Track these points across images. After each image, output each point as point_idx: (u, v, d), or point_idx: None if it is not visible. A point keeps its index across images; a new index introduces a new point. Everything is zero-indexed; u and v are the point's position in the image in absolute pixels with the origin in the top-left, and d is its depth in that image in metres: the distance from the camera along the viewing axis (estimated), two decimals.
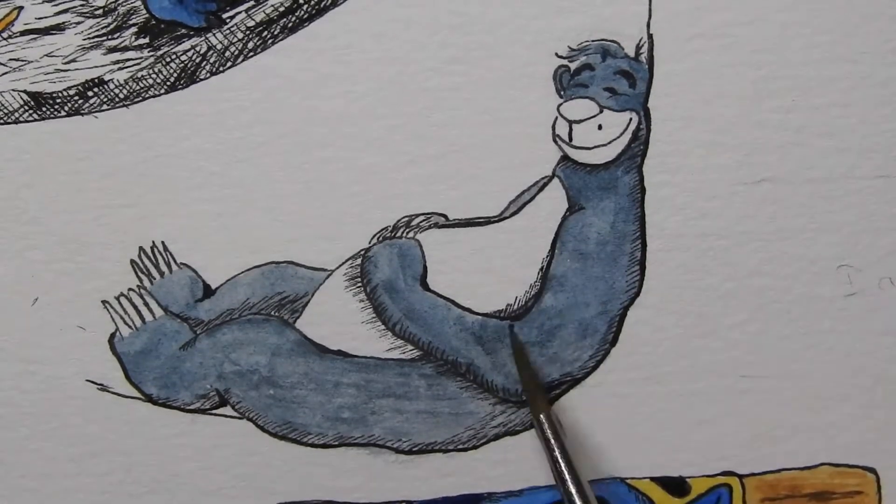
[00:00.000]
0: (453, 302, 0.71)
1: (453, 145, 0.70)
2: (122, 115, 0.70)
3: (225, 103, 0.70)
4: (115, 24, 0.70)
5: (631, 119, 0.70)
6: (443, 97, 0.70)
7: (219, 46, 0.70)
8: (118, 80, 0.70)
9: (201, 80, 0.70)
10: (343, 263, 0.72)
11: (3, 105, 0.70)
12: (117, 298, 0.72)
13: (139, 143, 0.70)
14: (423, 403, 0.72)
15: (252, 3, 0.70)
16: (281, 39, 0.70)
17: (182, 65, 0.70)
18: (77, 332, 0.72)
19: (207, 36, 0.70)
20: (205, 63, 0.70)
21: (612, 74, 0.69)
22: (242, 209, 0.71)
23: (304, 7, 0.69)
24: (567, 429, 0.72)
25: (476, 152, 0.70)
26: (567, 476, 0.67)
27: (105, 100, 0.70)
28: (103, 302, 0.72)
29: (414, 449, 0.73)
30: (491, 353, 0.71)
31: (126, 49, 0.70)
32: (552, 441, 0.68)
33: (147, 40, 0.70)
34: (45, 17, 0.70)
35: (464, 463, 0.73)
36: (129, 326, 0.72)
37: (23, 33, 0.70)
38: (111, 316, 0.72)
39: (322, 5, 0.69)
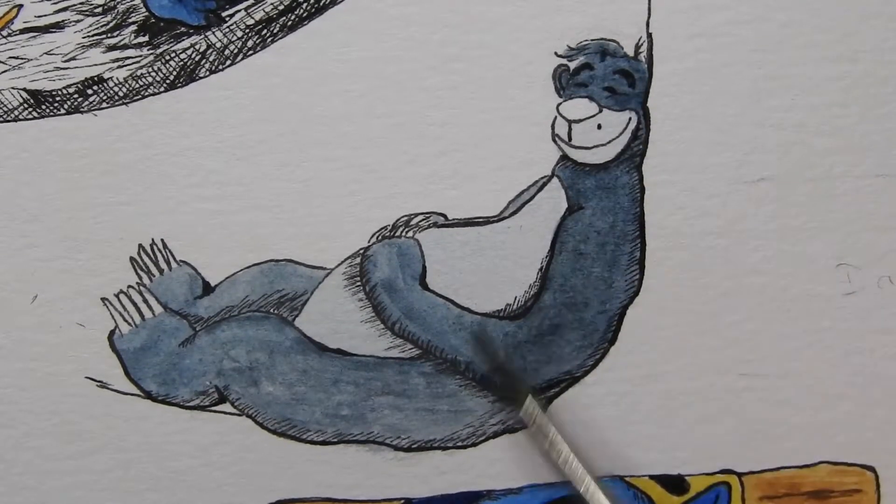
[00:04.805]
0: (452, 301, 0.73)
1: (452, 144, 0.72)
2: (121, 113, 0.72)
3: (224, 101, 0.72)
4: (114, 22, 0.71)
5: (630, 118, 0.71)
6: (442, 96, 0.72)
7: (218, 45, 0.71)
8: (118, 78, 0.71)
9: (201, 78, 0.72)
10: (342, 262, 0.73)
11: (2, 103, 0.71)
12: (117, 296, 0.74)
13: (138, 141, 0.72)
14: (422, 401, 0.74)
15: (251, 1, 0.71)
16: (280, 38, 0.71)
17: (181, 63, 0.71)
18: (76, 330, 0.74)
19: (207, 34, 0.71)
20: (204, 61, 0.71)
21: (612, 74, 0.71)
22: (242, 207, 0.73)
23: (304, 5, 0.71)
24: (567, 427, 0.75)
25: (475, 152, 0.72)
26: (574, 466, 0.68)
27: (104, 98, 0.72)
28: (103, 299, 0.74)
29: (413, 446, 0.75)
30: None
31: (125, 47, 0.71)
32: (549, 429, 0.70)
33: (146, 38, 0.71)
34: (45, 15, 0.71)
35: (463, 460, 0.75)
36: (129, 323, 0.74)
37: (22, 31, 0.71)
38: (111, 313, 0.74)
39: (321, 4, 0.71)
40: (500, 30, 0.71)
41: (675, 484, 0.76)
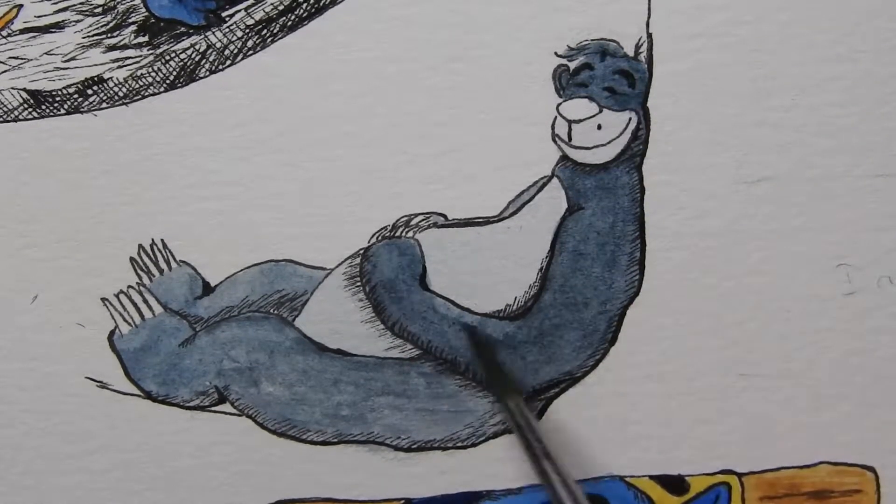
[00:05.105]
0: (452, 301, 0.73)
1: (452, 144, 0.72)
2: (121, 113, 0.72)
3: (224, 102, 0.72)
4: (114, 22, 0.71)
5: (630, 119, 0.72)
6: (442, 96, 0.72)
7: (218, 45, 0.71)
8: (117, 79, 0.72)
9: (201, 78, 0.72)
10: (342, 262, 0.74)
11: (2, 103, 0.72)
12: (117, 296, 0.74)
13: (138, 142, 0.72)
14: (422, 401, 0.74)
15: (251, 1, 0.71)
16: (280, 38, 0.71)
17: (181, 63, 0.72)
18: (76, 330, 0.74)
19: (207, 34, 0.71)
20: (204, 61, 0.72)
21: (612, 74, 0.71)
22: (241, 207, 0.73)
23: (304, 5, 0.71)
24: (567, 427, 0.75)
25: (475, 152, 0.72)
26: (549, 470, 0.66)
27: (104, 98, 0.72)
28: (103, 299, 0.74)
29: (413, 446, 0.75)
30: None
31: (125, 47, 0.72)
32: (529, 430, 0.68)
33: (146, 38, 0.72)
34: (45, 16, 0.72)
35: (463, 460, 0.75)
36: (129, 323, 0.74)
37: (22, 31, 0.72)
38: (111, 313, 0.74)
39: (321, 4, 0.71)
40: (500, 30, 0.71)
41: (675, 484, 0.76)
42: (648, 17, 0.71)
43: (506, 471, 0.76)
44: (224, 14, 0.72)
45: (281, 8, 0.72)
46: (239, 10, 0.72)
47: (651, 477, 0.76)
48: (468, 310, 0.74)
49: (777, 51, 0.72)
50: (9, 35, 0.72)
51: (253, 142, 0.73)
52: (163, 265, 0.74)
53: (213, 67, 0.72)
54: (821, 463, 0.76)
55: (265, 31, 0.72)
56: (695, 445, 0.76)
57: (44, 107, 0.72)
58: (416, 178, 0.73)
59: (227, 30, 0.72)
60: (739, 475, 0.76)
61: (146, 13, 0.72)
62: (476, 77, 0.72)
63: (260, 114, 0.73)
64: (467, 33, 0.72)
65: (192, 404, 0.76)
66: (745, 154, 0.73)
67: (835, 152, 0.73)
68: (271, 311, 0.75)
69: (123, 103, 0.72)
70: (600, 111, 0.72)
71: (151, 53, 0.72)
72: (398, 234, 0.74)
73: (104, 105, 0.72)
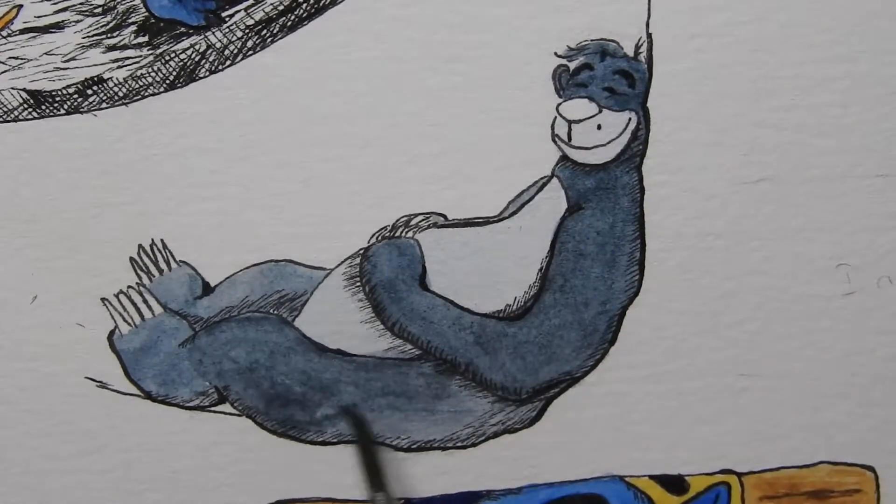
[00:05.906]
0: (452, 302, 0.74)
1: (452, 144, 0.72)
2: (121, 113, 0.72)
3: (224, 102, 0.72)
4: (114, 22, 0.71)
5: (630, 119, 0.72)
6: (442, 96, 0.72)
7: (218, 45, 0.71)
8: (117, 79, 0.72)
9: (200, 78, 0.72)
10: (342, 262, 0.74)
11: (2, 103, 0.72)
12: (116, 296, 0.74)
13: (138, 142, 0.72)
14: (421, 402, 0.75)
15: (251, 1, 0.71)
16: (280, 38, 0.71)
17: (181, 63, 0.72)
18: (76, 330, 0.74)
19: (206, 34, 0.71)
20: (204, 61, 0.72)
21: (612, 74, 0.71)
22: (241, 207, 0.73)
23: (304, 6, 0.71)
24: (567, 427, 0.75)
25: (475, 152, 0.72)
26: None
27: (104, 98, 0.72)
28: (102, 299, 0.74)
29: (413, 446, 0.76)
30: (490, 353, 0.74)
31: (125, 47, 0.72)
32: None
33: (146, 38, 0.72)
34: (45, 16, 0.71)
35: (462, 460, 0.76)
36: (129, 324, 0.74)
37: (22, 31, 0.71)
38: (110, 313, 0.74)
39: (321, 4, 0.71)
40: (500, 30, 0.71)
41: (674, 484, 0.76)
42: (648, 17, 0.71)
43: (506, 470, 0.76)
44: (224, 14, 0.72)
45: (281, 8, 0.72)
46: (239, 11, 0.72)
47: (651, 477, 0.76)
48: (468, 310, 0.74)
49: (777, 51, 0.72)
50: (9, 35, 0.72)
51: (253, 142, 0.73)
52: (162, 265, 0.74)
53: (213, 67, 0.72)
54: (821, 463, 0.77)
55: (265, 31, 0.72)
56: (695, 445, 0.76)
57: (44, 107, 0.72)
58: (416, 178, 0.73)
59: (227, 30, 0.72)
60: (739, 475, 0.76)
61: (146, 13, 0.72)
62: (476, 77, 0.72)
63: (260, 114, 0.72)
64: (467, 33, 0.71)
65: (191, 404, 0.76)
66: (745, 154, 0.73)
67: (835, 152, 0.73)
68: (271, 311, 0.75)
69: (123, 103, 0.72)
70: (600, 111, 0.72)
71: (151, 53, 0.72)
72: (398, 234, 0.74)
73: (104, 105, 0.72)
